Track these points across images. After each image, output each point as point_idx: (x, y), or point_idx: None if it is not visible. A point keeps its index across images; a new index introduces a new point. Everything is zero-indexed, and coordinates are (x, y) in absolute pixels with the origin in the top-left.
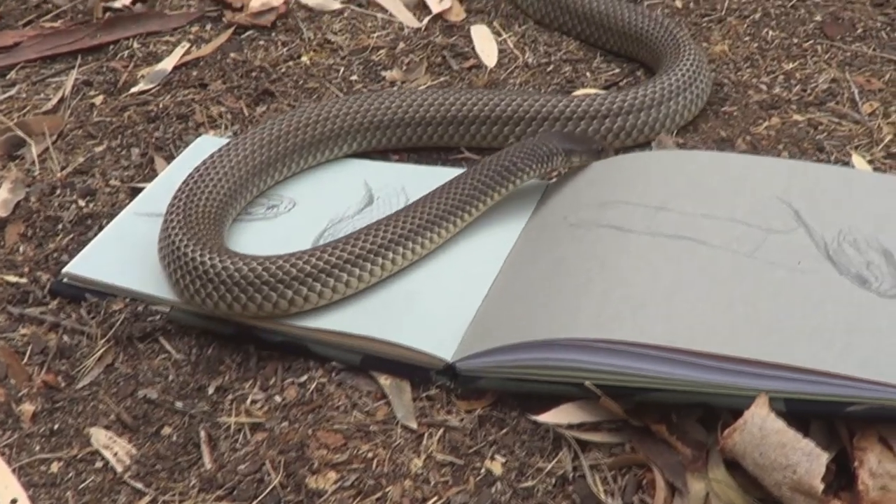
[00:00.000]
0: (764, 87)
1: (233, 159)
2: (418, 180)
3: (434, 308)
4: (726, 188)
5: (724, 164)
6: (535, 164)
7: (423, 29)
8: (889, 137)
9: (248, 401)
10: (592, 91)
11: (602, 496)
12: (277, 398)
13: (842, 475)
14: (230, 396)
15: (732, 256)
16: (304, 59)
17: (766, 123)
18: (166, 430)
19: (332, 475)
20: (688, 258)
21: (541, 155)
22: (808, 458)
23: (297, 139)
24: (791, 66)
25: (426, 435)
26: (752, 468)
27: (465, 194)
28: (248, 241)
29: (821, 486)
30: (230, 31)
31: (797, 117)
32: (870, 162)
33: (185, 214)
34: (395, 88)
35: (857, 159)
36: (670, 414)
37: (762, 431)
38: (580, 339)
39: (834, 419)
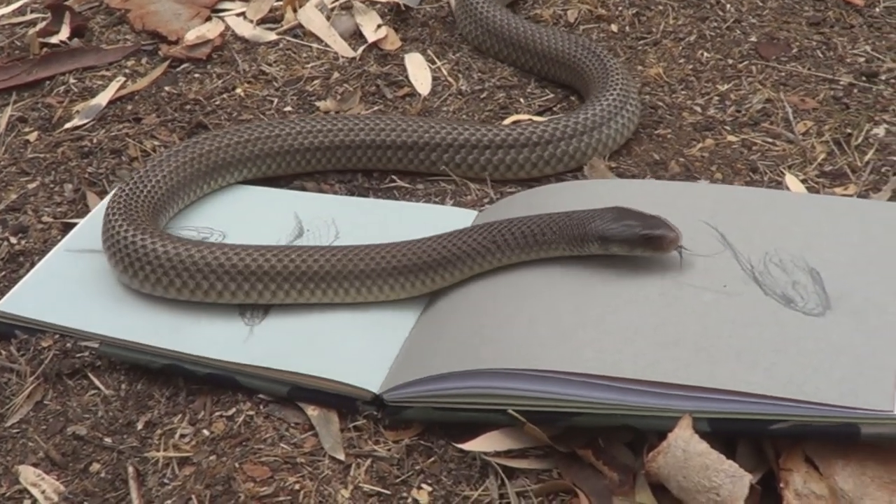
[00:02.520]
0: (698, 109)
1: (165, 168)
2: (348, 212)
3: (361, 340)
4: (654, 213)
5: (652, 191)
6: (565, 243)
7: (357, 58)
8: (822, 156)
9: (177, 435)
10: (526, 117)
11: None
12: (206, 432)
13: (770, 496)
14: (159, 431)
15: (660, 281)
16: (239, 90)
17: (699, 145)
18: (95, 467)
19: None
20: (616, 284)
21: (573, 237)
22: (731, 480)
23: (222, 156)
24: (726, 87)
25: (353, 465)
26: (677, 491)
27: (480, 245)
28: None
29: None
30: (165, 64)
31: (731, 138)
32: (803, 181)
33: (126, 206)
34: (326, 114)
35: (790, 179)
36: (597, 439)
37: (686, 454)
38: (508, 368)
39: (760, 439)
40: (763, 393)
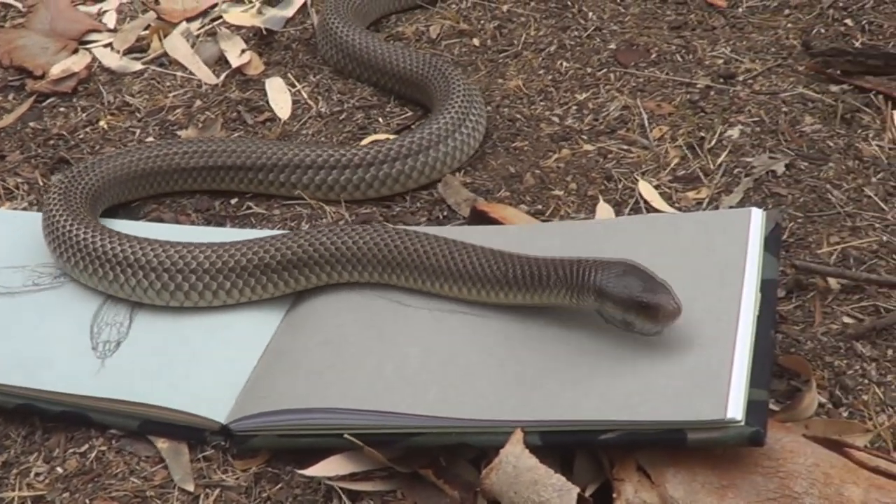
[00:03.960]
0: (556, 120)
1: (92, 174)
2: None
3: (209, 372)
4: None
5: (504, 234)
6: (566, 290)
7: (220, 85)
8: (676, 161)
9: (32, 474)
10: (384, 136)
11: None
12: (59, 469)
13: None
14: (15, 471)
15: (505, 324)
16: (102, 123)
17: (555, 156)
18: None
19: None
20: (460, 329)
21: (574, 284)
22: (559, 494)
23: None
24: (584, 96)
25: (202, 496)
26: None
27: (474, 271)
28: (30, 316)
29: None
30: (31, 99)
31: (588, 147)
32: (656, 187)
33: (66, 198)
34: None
35: (643, 185)
36: (438, 458)
37: (516, 469)
38: (356, 409)
39: (596, 451)
40: (598, 419)
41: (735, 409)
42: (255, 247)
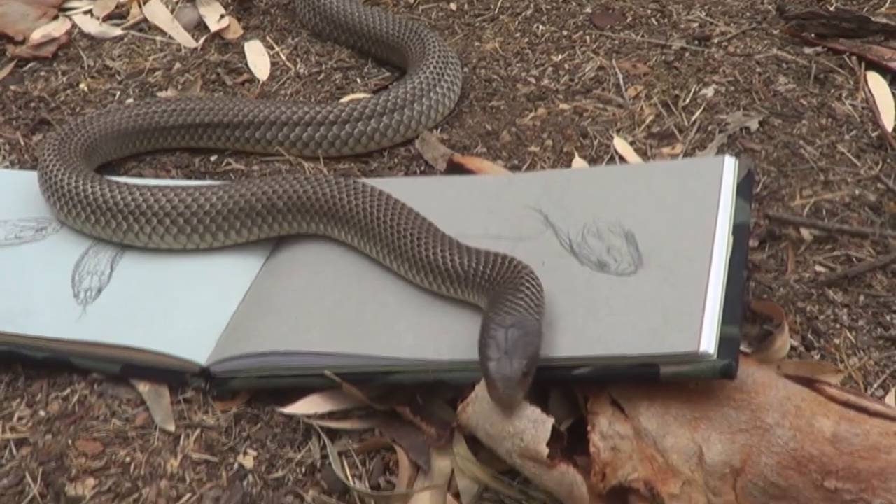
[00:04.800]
0: (532, 80)
1: (90, 127)
2: None
3: (189, 315)
4: (481, 207)
5: (481, 186)
6: (479, 297)
7: (199, 49)
8: (651, 118)
9: (15, 418)
10: (362, 96)
11: (349, 480)
12: (42, 413)
13: (581, 442)
14: None
15: None
16: (83, 86)
17: (532, 114)
18: None
19: (91, 481)
20: None
21: (492, 301)
22: (533, 425)
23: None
24: (560, 57)
25: (183, 436)
26: (486, 439)
27: (424, 255)
28: (12, 267)
29: (546, 451)
30: (12, 64)
31: (563, 106)
32: (631, 143)
33: (59, 150)
34: (169, 97)
35: (618, 142)
36: (416, 397)
37: (491, 403)
38: (336, 353)
39: (571, 388)
40: (568, 355)
41: (708, 343)
42: (242, 189)
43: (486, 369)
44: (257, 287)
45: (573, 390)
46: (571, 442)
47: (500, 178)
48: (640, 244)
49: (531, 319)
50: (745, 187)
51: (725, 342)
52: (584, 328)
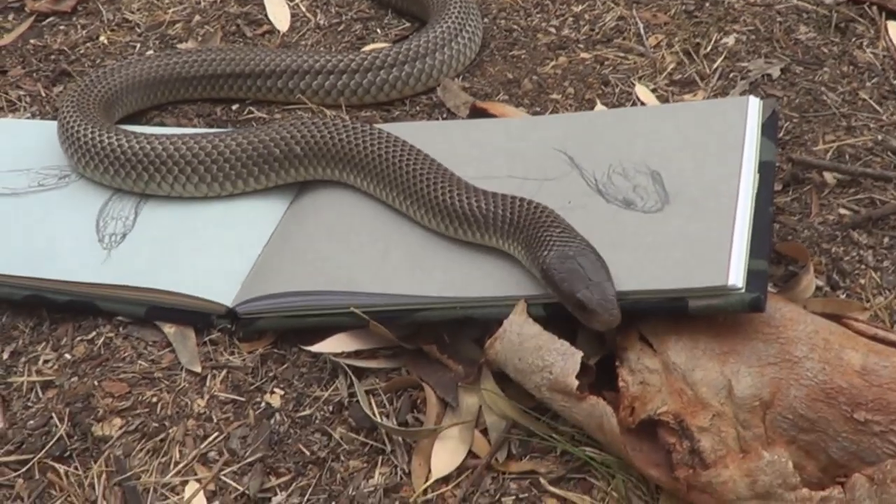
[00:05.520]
0: (553, 30)
1: (110, 79)
2: None
3: (215, 258)
4: (506, 149)
5: (505, 128)
6: (522, 246)
7: (219, 0)
8: (672, 66)
9: (41, 361)
10: (382, 46)
11: (377, 417)
12: (68, 356)
13: (610, 379)
14: (23, 359)
15: None
16: (103, 38)
17: (553, 63)
18: None
19: (118, 421)
20: None
21: (528, 247)
22: (563, 358)
23: (125, 84)
24: (580, 8)
25: (209, 376)
26: (514, 374)
27: (442, 201)
28: (35, 213)
29: (575, 384)
30: (31, 19)
31: (584, 55)
32: (653, 90)
33: (79, 103)
34: (193, 48)
35: (640, 89)
36: (443, 336)
37: (520, 337)
38: (359, 292)
39: None
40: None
41: (736, 277)
42: (261, 134)
43: (582, 301)
44: (282, 229)
45: None
46: (600, 378)
47: (523, 120)
48: (666, 182)
49: (585, 245)
50: (769, 127)
51: (754, 276)
52: (612, 264)
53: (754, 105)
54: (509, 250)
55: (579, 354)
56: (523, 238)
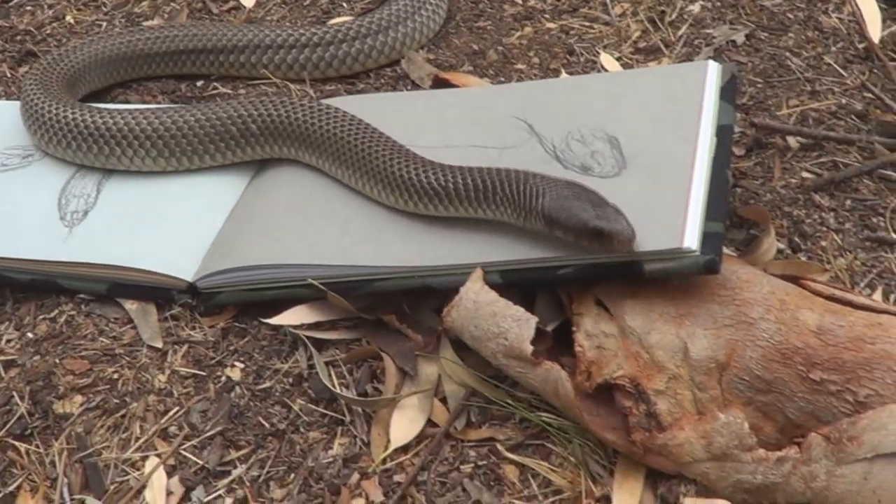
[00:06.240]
0: (519, 1)
1: (73, 57)
2: None
3: (175, 234)
4: (466, 118)
5: (466, 97)
6: (511, 209)
7: None
8: (637, 34)
9: (3, 341)
10: (348, 19)
11: (336, 388)
12: (30, 335)
13: (568, 344)
14: None
15: None
16: (69, 18)
17: (518, 33)
18: None
19: (79, 398)
20: None
21: (519, 205)
22: (517, 324)
23: (85, 63)
24: None
25: (170, 352)
26: (471, 342)
27: (421, 182)
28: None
29: (530, 349)
30: None
31: (550, 25)
32: (618, 59)
33: (41, 80)
34: (155, 24)
35: (605, 57)
36: (402, 306)
37: (476, 304)
38: (318, 264)
39: (557, 290)
40: (552, 255)
41: (691, 239)
42: (219, 111)
43: (598, 227)
44: (243, 204)
45: (558, 293)
46: (558, 344)
47: (483, 89)
48: (623, 147)
49: (569, 182)
50: (728, 91)
51: (709, 238)
52: None
53: (713, 69)
54: (496, 217)
55: (534, 320)
56: (508, 199)
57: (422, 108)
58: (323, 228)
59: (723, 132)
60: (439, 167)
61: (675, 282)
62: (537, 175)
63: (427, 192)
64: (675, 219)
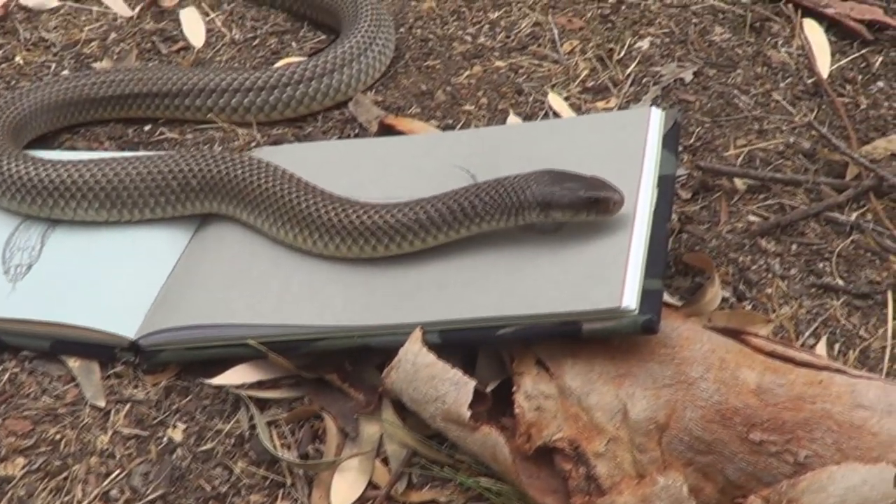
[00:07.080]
0: (469, 38)
1: (18, 104)
2: None
3: (118, 290)
4: (409, 167)
5: (410, 145)
6: (500, 214)
7: (135, 17)
8: (585, 73)
9: None
10: (297, 59)
11: (277, 450)
12: None
13: (509, 403)
14: None
15: None
16: (18, 59)
17: (467, 73)
18: None
19: (21, 460)
20: None
21: (509, 206)
22: (455, 388)
23: (31, 109)
24: (496, 14)
25: (113, 411)
26: (410, 404)
27: (409, 220)
28: None
29: (468, 414)
30: None
31: (499, 63)
32: (566, 98)
33: None
34: (100, 69)
35: (553, 97)
36: (344, 364)
37: (415, 367)
38: (259, 324)
39: (498, 349)
40: (495, 315)
41: (630, 298)
42: (160, 164)
43: (592, 196)
44: (185, 259)
45: (500, 352)
46: (500, 402)
47: (429, 136)
48: None
49: (541, 170)
50: (671, 139)
51: (648, 296)
52: (509, 287)
53: (656, 116)
54: (482, 229)
55: (472, 384)
56: (493, 206)
57: (366, 157)
58: (265, 285)
59: (664, 182)
60: (402, 205)
61: (616, 340)
62: (502, 178)
63: (398, 230)
64: (614, 277)
